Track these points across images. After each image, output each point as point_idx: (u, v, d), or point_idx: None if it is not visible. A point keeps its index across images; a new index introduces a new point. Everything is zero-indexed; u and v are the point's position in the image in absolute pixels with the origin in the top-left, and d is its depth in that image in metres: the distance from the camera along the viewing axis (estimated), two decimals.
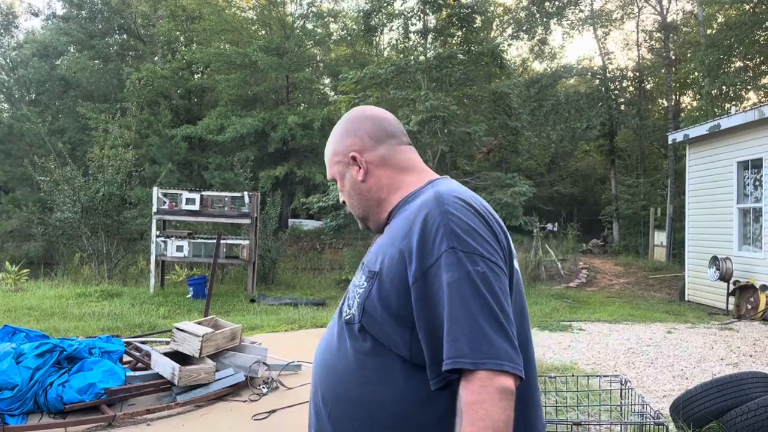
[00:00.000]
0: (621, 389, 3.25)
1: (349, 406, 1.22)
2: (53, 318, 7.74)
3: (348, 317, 1.25)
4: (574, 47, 59.82)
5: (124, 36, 28.99)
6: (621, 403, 3.29)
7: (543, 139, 23.77)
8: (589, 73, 25.12)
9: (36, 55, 27.98)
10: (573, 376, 3.62)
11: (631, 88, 24.27)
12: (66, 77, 26.31)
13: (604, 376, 3.34)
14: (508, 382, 1.06)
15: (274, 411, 4.16)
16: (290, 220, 24.90)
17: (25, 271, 11.87)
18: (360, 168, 1.36)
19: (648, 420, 2.85)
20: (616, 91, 23.62)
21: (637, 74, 23.96)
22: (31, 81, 26.92)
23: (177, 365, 4.28)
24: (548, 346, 6.41)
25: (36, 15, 32.25)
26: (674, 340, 6.80)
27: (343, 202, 1.45)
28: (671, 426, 3.56)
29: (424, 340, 1.13)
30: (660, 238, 18.46)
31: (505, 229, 1.26)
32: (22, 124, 24.53)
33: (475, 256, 1.10)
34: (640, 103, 22.38)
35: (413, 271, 1.13)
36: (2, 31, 31.13)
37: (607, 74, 23.58)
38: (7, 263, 12.11)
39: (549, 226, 21.29)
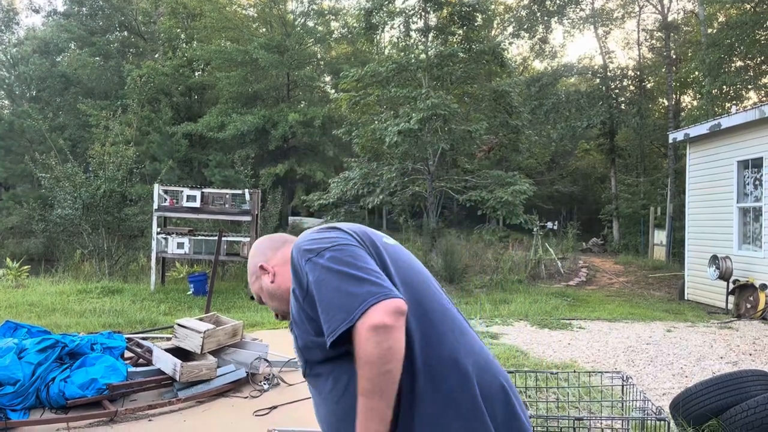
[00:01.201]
0: (623, 385, 3.25)
1: (342, 426, 1.36)
2: (54, 314, 7.75)
3: (304, 370, 1.47)
4: (574, 46, 59.96)
5: (125, 33, 29.01)
6: (622, 399, 3.30)
7: (543, 138, 23.75)
8: (590, 72, 25.08)
9: (37, 51, 27.97)
10: (575, 372, 3.63)
11: (631, 87, 24.23)
12: (67, 74, 26.29)
13: (606, 372, 3.35)
14: (375, 318, 1.22)
15: (275, 407, 4.18)
16: (291, 218, 24.89)
17: (25, 267, 11.88)
18: (268, 273, 1.63)
19: (650, 416, 2.86)
20: (617, 90, 23.59)
21: (638, 73, 23.91)
22: (32, 78, 26.91)
23: (178, 361, 4.29)
24: (548, 344, 6.42)
25: (37, 12, 32.15)
26: (674, 338, 6.81)
27: (276, 315, 1.69)
28: (671, 423, 3.57)
29: None
30: (660, 237, 18.46)
31: (369, 233, 1.47)
32: (22, 120, 24.52)
33: (322, 252, 1.35)
34: (640, 102, 22.35)
35: (300, 296, 1.38)
36: (3, 27, 31.09)
37: (608, 73, 23.55)
38: (7, 259, 12.12)
39: (549, 224, 21.25)
